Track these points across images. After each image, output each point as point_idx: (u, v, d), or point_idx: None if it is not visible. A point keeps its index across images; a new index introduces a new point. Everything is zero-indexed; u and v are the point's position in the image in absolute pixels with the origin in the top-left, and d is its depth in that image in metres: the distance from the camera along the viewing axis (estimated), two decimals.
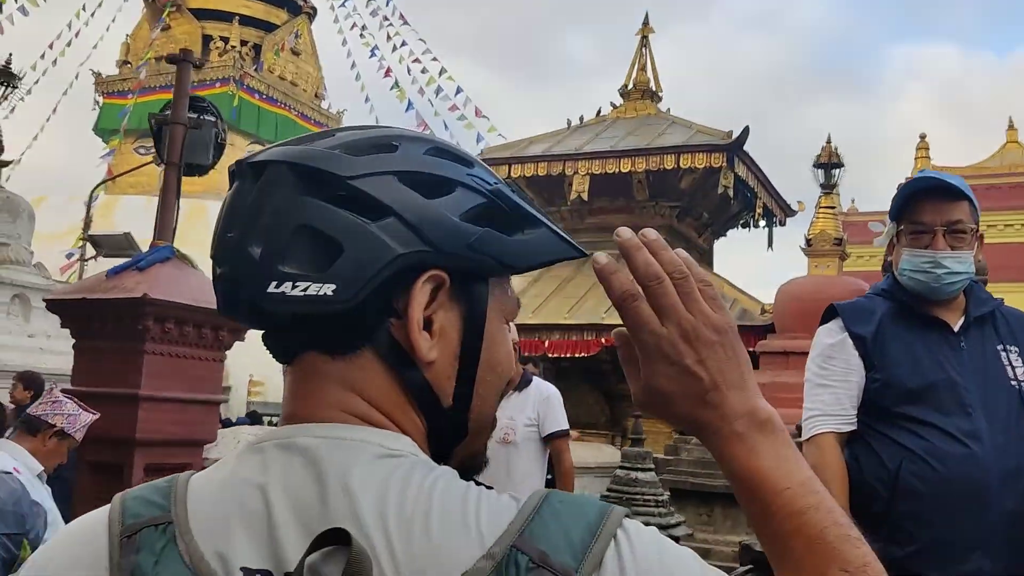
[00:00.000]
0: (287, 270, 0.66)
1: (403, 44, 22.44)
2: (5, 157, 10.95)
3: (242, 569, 0.62)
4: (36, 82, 20.62)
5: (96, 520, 0.68)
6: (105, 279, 4.38)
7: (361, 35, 23.66)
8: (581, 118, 15.86)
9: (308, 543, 0.60)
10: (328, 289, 0.65)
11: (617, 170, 13.67)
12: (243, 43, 25.28)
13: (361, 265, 0.66)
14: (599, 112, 16.03)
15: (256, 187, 0.68)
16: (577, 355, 12.48)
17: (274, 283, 0.65)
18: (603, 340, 11.82)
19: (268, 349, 0.72)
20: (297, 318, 0.67)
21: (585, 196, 13.86)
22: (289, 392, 0.71)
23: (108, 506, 0.69)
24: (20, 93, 12.22)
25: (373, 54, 22.85)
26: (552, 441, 4.07)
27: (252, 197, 0.68)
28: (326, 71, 29.30)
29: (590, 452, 10.43)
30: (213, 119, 5.12)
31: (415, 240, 0.67)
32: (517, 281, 5.20)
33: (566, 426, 4.15)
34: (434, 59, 22.18)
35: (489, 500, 0.64)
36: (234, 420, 11.41)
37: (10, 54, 11.58)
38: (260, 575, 0.62)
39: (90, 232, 13.11)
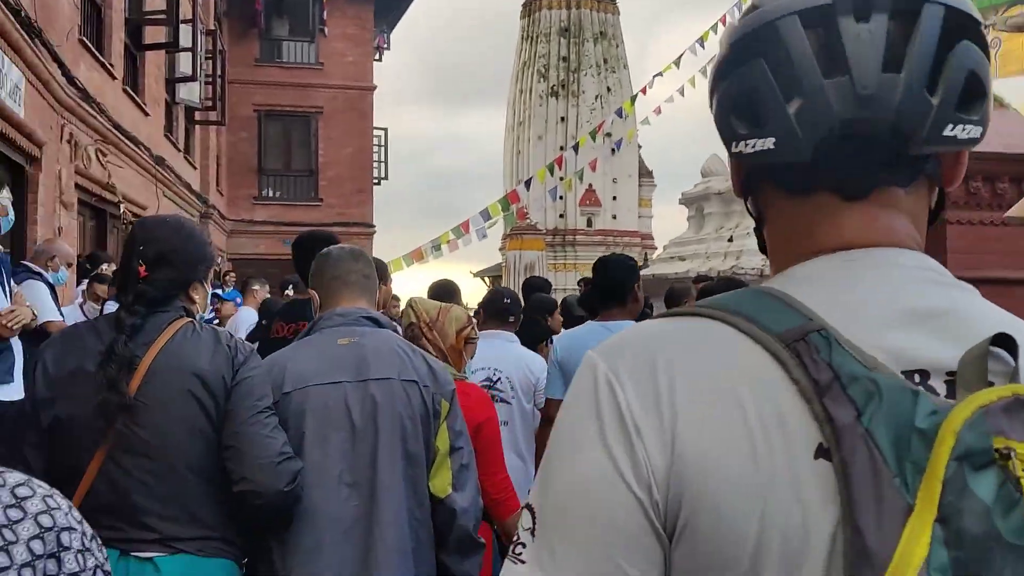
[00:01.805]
0: (961, 115, 0.69)
1: None
2: None
3: (911, 368, 0.66)
4: None
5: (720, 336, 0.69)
6: None
7: None
8: None
9: (934, 344, 0.67)
10: (978, 131, 0.70)
11: None
12: None
13: (988, 106, 0.72)
14: None
15: (915, 27, 0.69)
16: None
17: (951, 126, 0.69)
18: None
19: (841, 185, 0.73)
20: (918, 158, 0.72)
21: None
22: (861, 223, 0.74)
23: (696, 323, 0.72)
24: None
25: None
26: None
27: (918, 38, 0.69)
28: None
29: None
30: None
31: None
32: None
33: None
34: None
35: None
36: None
37: None
38: (918, 374, 0.67)
39: None
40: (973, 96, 0.70)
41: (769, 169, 0.75)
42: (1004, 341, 0.64)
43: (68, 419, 1.93)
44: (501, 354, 3.76)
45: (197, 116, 15.56)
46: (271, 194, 20.91)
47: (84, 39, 7.96)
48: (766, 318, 0.68)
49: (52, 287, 5.66)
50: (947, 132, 0.69)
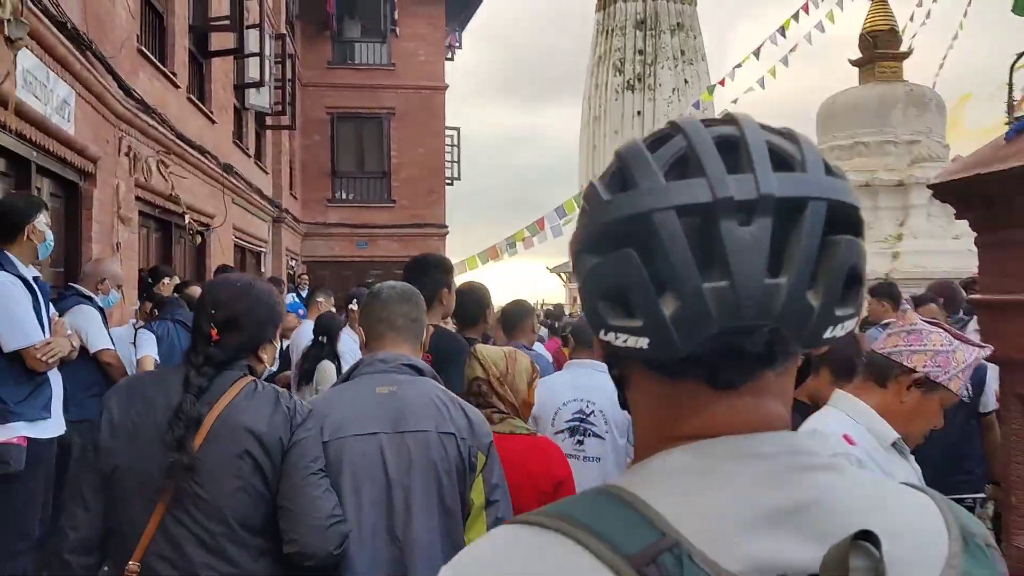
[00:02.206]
0: (840, 313, 0.67)
1: None
2: None
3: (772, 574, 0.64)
4: None
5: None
6: (1002, 144, 3.04)
7: None
8: None
9: (795, 545, 0.64)
10: (852, 323, 0.69)
11: None
12: None
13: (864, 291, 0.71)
14: None
15: (796, 227, 0.65)
16: None
17: (830, 328, 0.67)
18: None
19: (712, 377, 0.70)
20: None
21: None
22: (728, 411, 0.71)
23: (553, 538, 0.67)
24: None
25: None
26: None
27: (802, 239, 0.65)
28: None
29: None
30: None
31: None
32: None
33: None
34: None
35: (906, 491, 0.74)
36: None
37: None
38: None
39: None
40: (852, 290, 0.68)
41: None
42: (868, 534, 0.62)
43: (128, 470, 2.00)
44: (592, 384, 3.50)
45: (268, 121, 15.52)
46: (344, 196, 20.88)
47: (143, 48, 7.80)
48: (616, 533, 0.65)
49: (103, 310, 5.45)
50: (826, 335, 0.67)
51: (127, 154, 7.31)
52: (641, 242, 0.65)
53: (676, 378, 0.70)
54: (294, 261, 18.86)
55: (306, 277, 18.06)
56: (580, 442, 3.49)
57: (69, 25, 5.43)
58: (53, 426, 4.35)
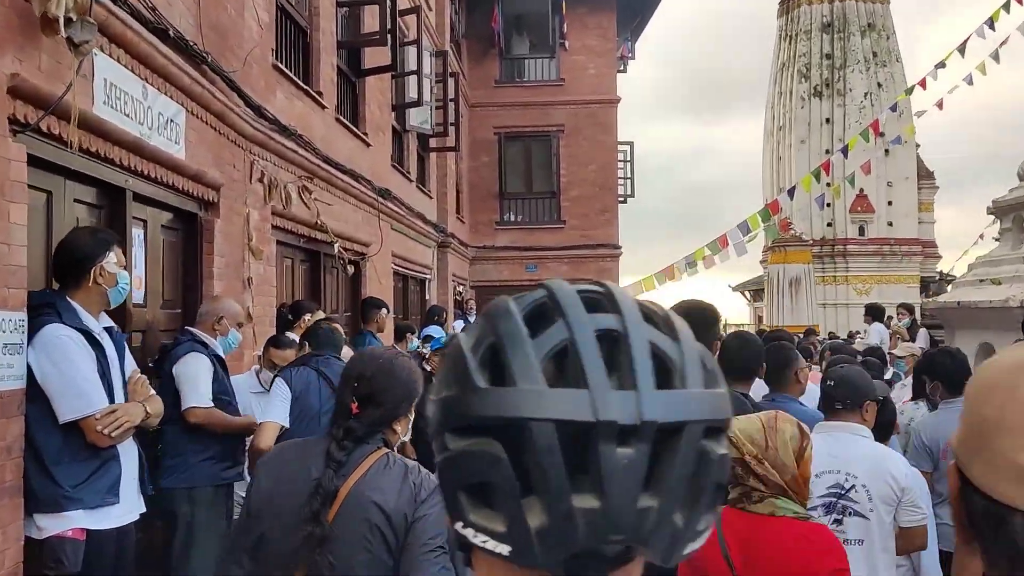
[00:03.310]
0: (701, 528, 0.66)
1: None
2: None
3: None
4: None
5: None
6: None
7: None
8: None
9: None
10: (708, 532, 0.67)
11: None
12: None
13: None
14: None
15: (671, 451, 0.63)
16: None
17: (691, 544, 0.66)
18: None
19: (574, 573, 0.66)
20: None
21: None
22: None
23: None
24: None
25: None
26: None
27: (676, 462, 0.63)
28: None
29: None
30: None
31: None
32: None
33: None
34: None
35: None
36: None
37: None
38: None
39: None
40: (716, 501, 0.67)
41: None
42: None
43: (271, 538, 2.13)
44: (853, 454, 3.10)
45: (434, 143, 14.94)
46: (512, 218, 20.13)
47: (279, 64, 7.16)
48: None
49: (219, 358, 4.69)
50: (687, 551, 0.66)
51: (260, 180, 6.64)
52: (513, 443, 0.61)
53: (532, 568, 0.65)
54: (461, 287, 18.24)
55: (474, 303, 17.41)
56: (838, 521, 3.05)
57: (172, 32, 4.72)
58: (121, 512, 3.53)
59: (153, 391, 3.84)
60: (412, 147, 13.44)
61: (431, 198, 15.13)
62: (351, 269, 9.17)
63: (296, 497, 2.06)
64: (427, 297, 14.68)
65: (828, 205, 25.90)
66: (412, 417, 2.34)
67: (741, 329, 3.86)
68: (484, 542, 0.63)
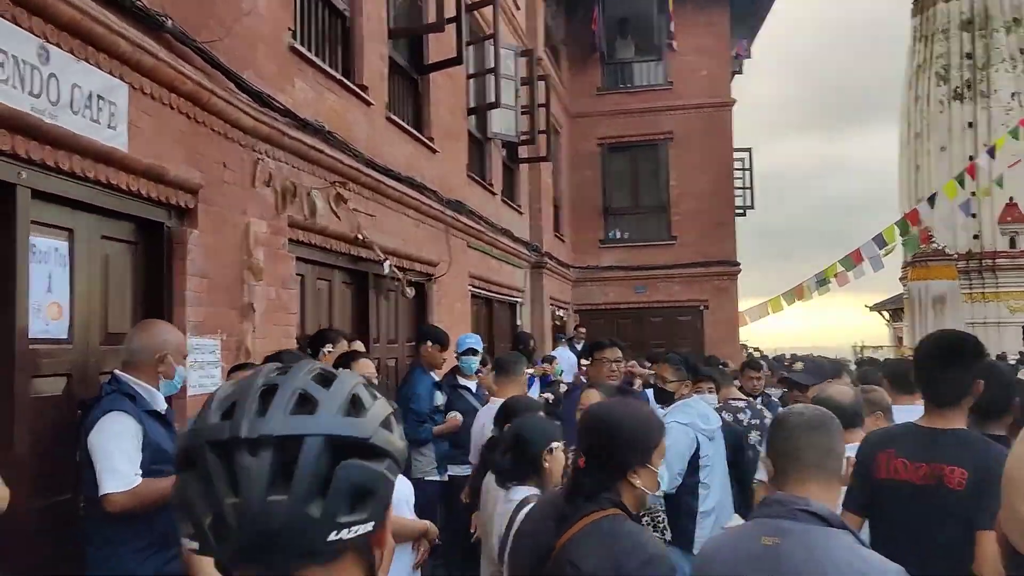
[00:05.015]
0: (347, 519, 0.86)
1: None
2: None
3: None
4: None
5: None
6: None
7: None
8: None
9: None
10: (369, 525, 0.89)
11: None
12: None
13: (381, 501, 0.95)
14: None
15: (296, 457, 0.88)
16: None
17: (334, 532, 0.86)
18: None
19: (258, 570, 0.87)
20: (329, 544, 0.87)
21: None
22: None
23: None
24: None
25: None
26: None
27: (299, 466, 0.86)
28: None
29: None
30: None
31: None
32: None
33: None
34: None
35: None
36: None
37: None
38: None
39: None
40: (361, 500, 0.87)
41: None
42: None
43: None
44: None
45: (525, 153, 13.63)
46: (618, 235, 18.56)
47: (300, 48, 5.97)
48: None
49: (158, 413, 3.47)
50: (331, 538, 0.85)
51: (268, 183, 5.44)
52: (199, 467, 0.86)
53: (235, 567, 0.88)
54: (562, 310, 16.78)
55: (583, 330, 15.91)
56: None
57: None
58: None
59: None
60: (496, 157, 12.15)
61: (521, 214, 13.79)
62: (411, 292, 7.89)
63: (532, 552, 2.21)
64: (518, 323, 13.32)
65: (973, 215, 23.53)
66: (656, 469, 2.21)
67: (998, 362, 2.61)
68: (186, 544, 0.89)
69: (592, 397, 3.90)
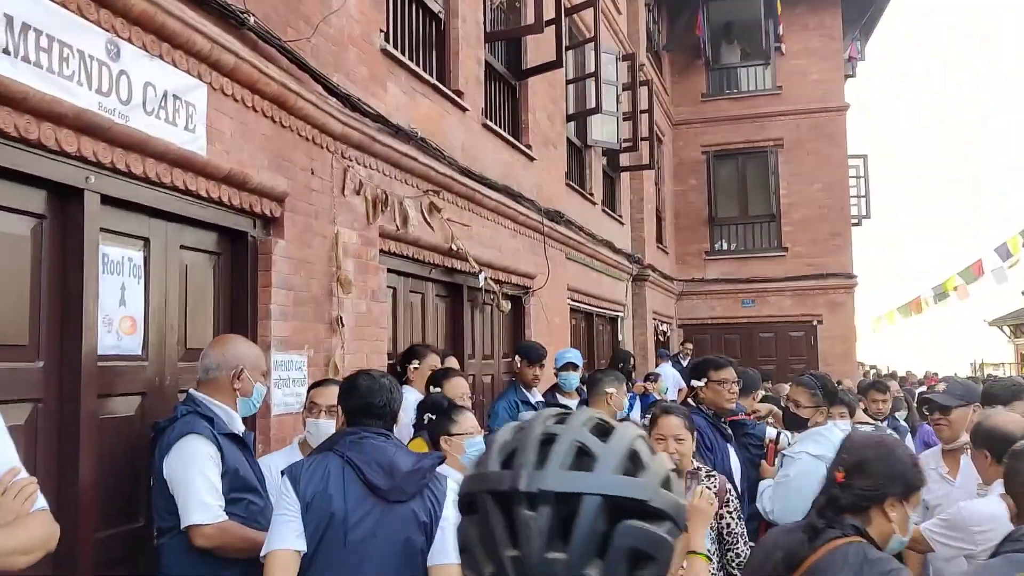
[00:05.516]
0: None
1: None
2: None
3: None
4: None
5: None
6: None
7: None
8: None
9: None
10: None
11: None
12: None
13: (662, 565, 0.95)
14: None
15: (575, 515, 0.86)
16: None
17: None
18: None
19: None
20: None
21: None
22: None
23: None
24: None
25: None
26: None
27: (577, 524, 0.85)
28: None
29: None
30: None
31: None
32: None
33: None
34: None
35: None
36: None
37: None
38: None
39: None
40: (641, 565, 0.84)
41: None
42: None
43: None
44: None
45: (627, 161, 13.15)
46: (725, 247, 17.80)
47: (392, 51, 5.71)
48: None
49: (236, 436, 3.21)
50: None
51: (359, 192, 5.17)
52: (477, 514, 0.89)
53: None
54: (665, 325, 16.16)
55: (689, 346, 15.26)
56: None
57: None
58: None
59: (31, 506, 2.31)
60: (596, 165, 11.72)
61: (622, 224, 13.30)
62: (506, 305, 7.54)
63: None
64: (620, 338, 12.81)
65: None
66: (911, 514, 2.16)
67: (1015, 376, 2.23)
68: None
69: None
